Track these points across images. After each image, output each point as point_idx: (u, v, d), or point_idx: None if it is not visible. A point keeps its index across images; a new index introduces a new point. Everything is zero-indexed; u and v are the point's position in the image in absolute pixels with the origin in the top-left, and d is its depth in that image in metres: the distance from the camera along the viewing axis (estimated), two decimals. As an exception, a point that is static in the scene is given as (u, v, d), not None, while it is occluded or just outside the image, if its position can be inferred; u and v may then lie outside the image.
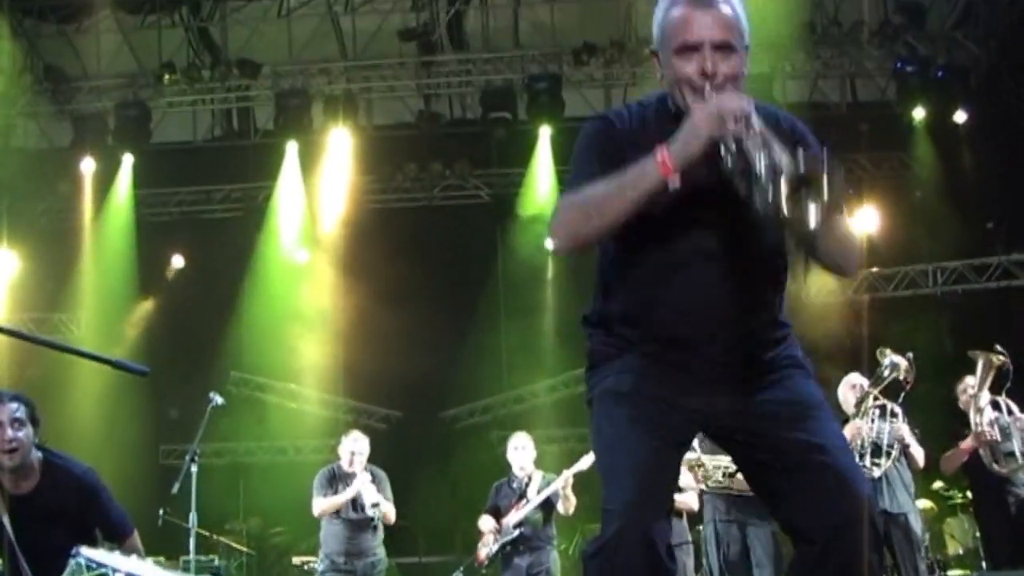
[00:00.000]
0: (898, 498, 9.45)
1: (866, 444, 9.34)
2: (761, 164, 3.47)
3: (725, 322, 3.89)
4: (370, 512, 10.95)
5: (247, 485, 16.01)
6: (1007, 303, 16.59)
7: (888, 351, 9.46)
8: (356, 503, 11.05)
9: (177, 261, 18.52)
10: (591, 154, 3.93)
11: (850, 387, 9.77)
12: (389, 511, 11.04)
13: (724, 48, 3.78)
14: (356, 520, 11.04)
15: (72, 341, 17.15)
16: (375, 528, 11.12)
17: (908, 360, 9.36)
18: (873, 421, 9.41)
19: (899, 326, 16.28)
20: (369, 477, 11.00)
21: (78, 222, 18.04)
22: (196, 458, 10.04)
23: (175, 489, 10.04)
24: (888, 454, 9.33)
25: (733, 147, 3.56)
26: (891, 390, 9.54)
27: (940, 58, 17.27)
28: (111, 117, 17.67)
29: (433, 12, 18.05)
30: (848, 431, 9.22)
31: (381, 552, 11.19)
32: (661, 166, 3.64)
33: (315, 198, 18.07)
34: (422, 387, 17.27)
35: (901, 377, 9.37)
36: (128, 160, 17.83)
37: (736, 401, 3.93)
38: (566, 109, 17.44)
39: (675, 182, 3.65)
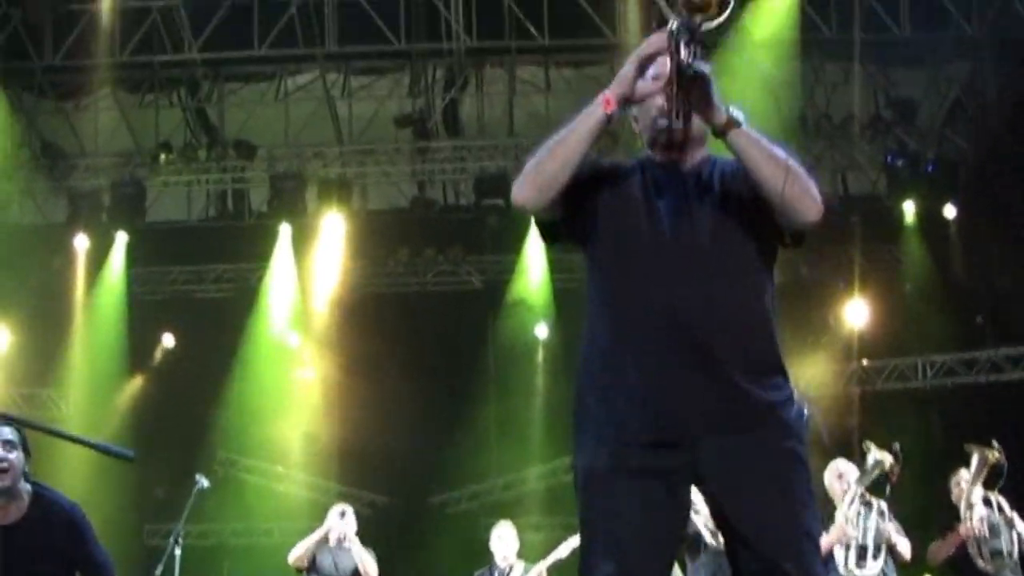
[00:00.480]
0: None
1: (852, 547, 9.25)
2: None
3: (703, 337, 3.88)
4: (340, 529, 10.88)
5: (232, 567, 15.90)
6: (996, 397, 16.58)
7: (872, 446, 9.37)
8: (338, 566, 11.00)
9: (168, 340, 18.50)
10: None
11: (836, 476, 9.65)
12: (370, 564, 10.98)
13: None
14: None
15: (60, 417, 17.12)
16: None
17: (895, 453, 9.30)
18: (859, 520, 9.32)
19: (889, 419, 16.30)
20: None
21: (70, 298, 18.01)
22: (180, 540, 10.01)
23: (158, 571, 9.99)
24: (875, 556, 9.24)
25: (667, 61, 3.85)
26: (877, 484, 9.48)
27: (930, 153, 17.45)
28: (106, 195, 17.73)
29: (429, 99, 18.21)
30: (834, 534, 9.12)
31: None
32: (603, 101, 3.96)
33: (307, 281, 18.09)
34: (410, 472, 17.23)
35: (887, 470, 9.31)
36: (122, 238, 17.84)
37: (723, 470, 3.86)
38: (559, 197, 17.49)
39: (616, 114, 3.98)
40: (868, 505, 9.36)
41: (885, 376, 17.45)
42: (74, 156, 17.92)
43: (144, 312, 18.11)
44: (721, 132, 3.88)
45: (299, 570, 11.14)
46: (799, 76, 17.14)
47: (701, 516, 9.25)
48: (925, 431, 15.95)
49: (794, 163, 3.86)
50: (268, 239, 17.91)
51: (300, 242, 17.91)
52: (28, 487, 6.03)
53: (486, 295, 18.34)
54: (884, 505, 9.38)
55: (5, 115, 17.61)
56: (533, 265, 17.80)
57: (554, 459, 17.28)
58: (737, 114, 3.86)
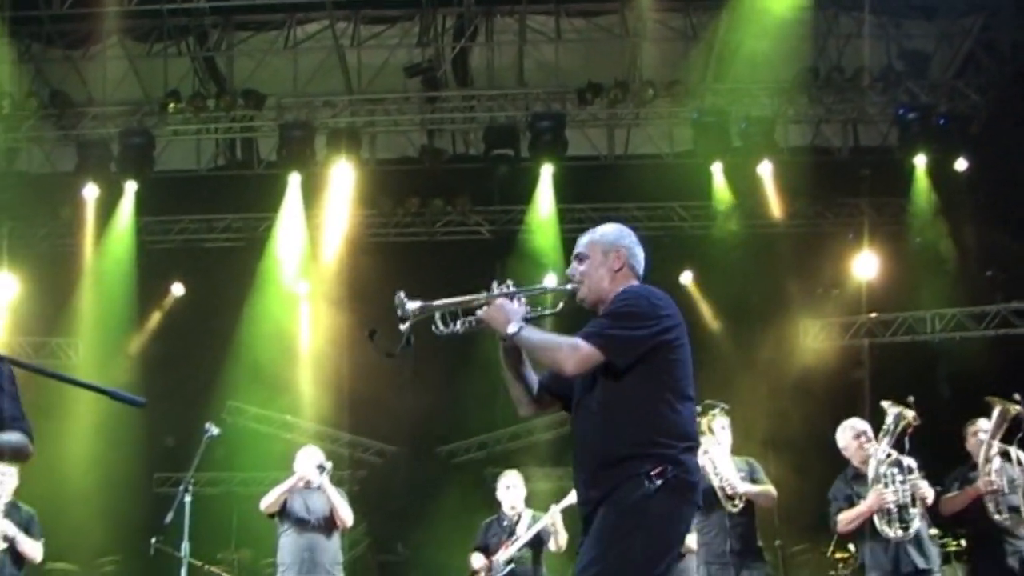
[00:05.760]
0: (928, 553, 9.33)
1: (892, 509, 9.23)
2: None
3: (575, 461, 5.55)
4: (315, 478, 10.92)
5: (240, 516, 15.96)
6: (1005, 351, 16.56)
7: (889, 404, 9.38)
8: (310, 509, 11.02)
9: (177, 289, 18.53)
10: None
11: (854, 435, 9.60)
12: (343, 507, 10.99)
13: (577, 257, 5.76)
14: (309, 522, 10.99)
15: (69, 366, 17.18)
16: (331, 538, 11.06)
17: (909, 405, 9.30)
18: (892, 482, 9.29)
19: (896, 371, 16.31)
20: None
21: (79, 247, 18.01)
22: (190, 488, 10.06)
23: (168, 519, 10.05)
24: (910, 513, 9.21)
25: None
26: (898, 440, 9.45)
27: (942, 106, 17.32)
28: (115, 144, 17.64)
29: (438, 48, 18.13)
30: (873, 499, 9.20)
31: (339, 574, 11.13)
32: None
33: (316, 230, 18.08)
34: (419, 422, 17.28)
35: (908, 424, 9.30)
36: (131, 187, 17.78)
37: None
38: (569, 148, 17.47)
39: (511, 339, 5.65)
40: (898, 464, 9.32)
41: (893, 329, 17.45)
42: (82, 105, 17.83)
43: (153, 261, 18.11)
44: (510, 344, 5.62)
45: (271, 516, 11.16)
46: (811, 27, 17.05)
47: (717, 478, 9.56)
48: (932, 384, 15.96)
49: (547, 342, 5.54)
50: (277, 188, 17.85)
51: (309, 191, 17.86)
52: None
53: (494, 245, 18.31)
54: (912, 462, 9.34)
55: (13, 64, 17.58)
56: (542, 215, 17.75)
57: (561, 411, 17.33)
58: (510, 331, 5.51)
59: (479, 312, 5.62)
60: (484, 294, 5.66)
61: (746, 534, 9.89)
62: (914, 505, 9.18)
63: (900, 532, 9.15)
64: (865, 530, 9.33)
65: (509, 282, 5.70)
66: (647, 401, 5.30)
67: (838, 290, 17.84)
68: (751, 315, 17.39)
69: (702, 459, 9.70)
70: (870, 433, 9.52)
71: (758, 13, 16.06)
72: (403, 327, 5.79)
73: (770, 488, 9.99)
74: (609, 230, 5.78)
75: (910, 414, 9.27)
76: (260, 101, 17.63)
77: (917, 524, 9.19)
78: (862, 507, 9.27)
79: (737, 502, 9.75)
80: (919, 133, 17.09)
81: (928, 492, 9.29)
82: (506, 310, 5.55)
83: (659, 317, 5.36)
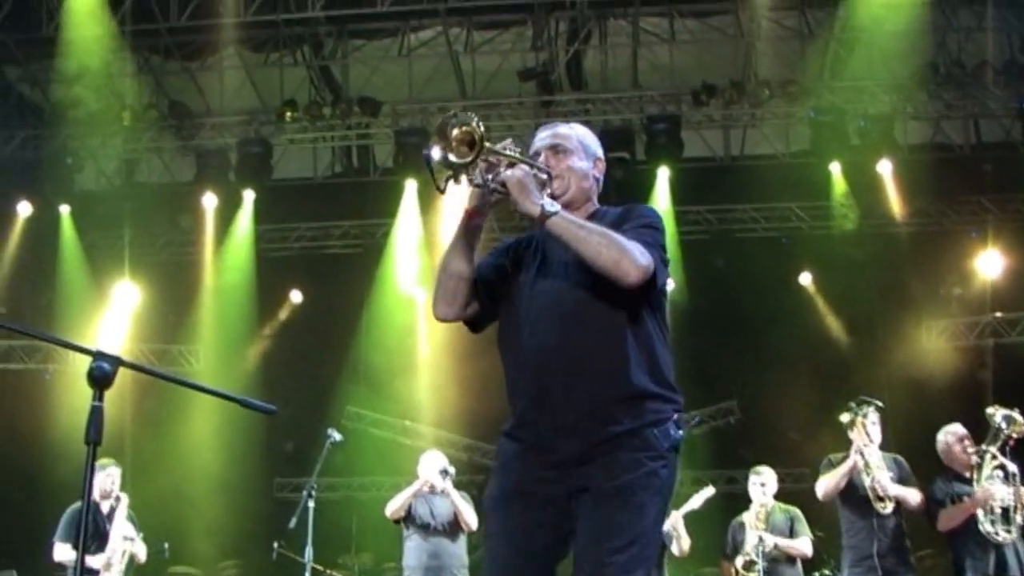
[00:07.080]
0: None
1: (996, 509, 9.18)
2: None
3: (556, 382, 4.53)
4: (439, 483, 10.89)
5: (360, 520, 16.08)
6: None
7: (998, 408, 9.31)
8: (434, 514, 11.03)
9: (295, 296, 18.73)
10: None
11: (956, 439, 9.58)
12: (467, 511, 10.92)
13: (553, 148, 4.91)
14: (434, 527, 11.00)
15: (190, 373, 17.44)
16: (456, 541, 11.03)
17: (1019, 414, 9.24)
18: (997, 483, 9.25)
19: (1023, 372, 15.96)
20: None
21: (199, 256, 18.30)
22: (313, 492, 10.15)
23: (293, 523, 10.14)
24: (1012, 518, 9.18)
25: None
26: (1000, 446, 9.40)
27: (1068, 98, 16.94)
28: (233, 153, 17.91)
29: (552, 52, 18.10)
30: (981, 495, 9.21)
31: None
32: (464, 214, 5.00)
33: (434, 236, 18.13)
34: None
35: (1014, 429, 9.25)
36: (249, 196, 18.04)
37: (581, 494, 4.43)
38: (684, 150, 17.36)
39: (479, 221, 4.94)
40: (1003, 468, 9.28)
41: (1020, 328, 17.10)
42: (200, 115, 18.09)
43: (271, 269, 18.33)
44: (539, 223, 4.42)
45: (396, 521, 11.18)
46: (930, 22, 16.76)
47: (869, 478, 9.47)
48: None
49: (608, 236, 4.39)
50: (394, 195, 17.97)
51: (426, 197, 17.92)
52: None
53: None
54: (1016, 469, 9.28)
55: (133, 77, 17.91)
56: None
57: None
58: (550, 208, 4.40)
59: (507, 174, 4.60)
60: (509, 149, 4.74)
61: (895, 537, 9.64)
62: (1015, 511, 9.15)
63: (1004, 534, 9.14)
64: (967, 529, 9.26)
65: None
66: (658, 337, 4.59)
67: (961, 289, 17.53)
68: (872, 316, 17.14)
69: (854, 457, 9.62)
70: (969, 439, 9.46)
71: (875, 8, 15.84)
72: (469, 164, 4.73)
73: (918, 492, 9.81)
74: (589, 133, 5.15)
75: (1019, 419, 9.20)
76: (376, 108, 17.74)
77: (1015, 534, 9.20)
78: (969, 502, 9.25)
79: (887, 503, 9.57)
80: (1044, 127, 16.76)
81: None
82: (533, 183, 4.54)
83: None
